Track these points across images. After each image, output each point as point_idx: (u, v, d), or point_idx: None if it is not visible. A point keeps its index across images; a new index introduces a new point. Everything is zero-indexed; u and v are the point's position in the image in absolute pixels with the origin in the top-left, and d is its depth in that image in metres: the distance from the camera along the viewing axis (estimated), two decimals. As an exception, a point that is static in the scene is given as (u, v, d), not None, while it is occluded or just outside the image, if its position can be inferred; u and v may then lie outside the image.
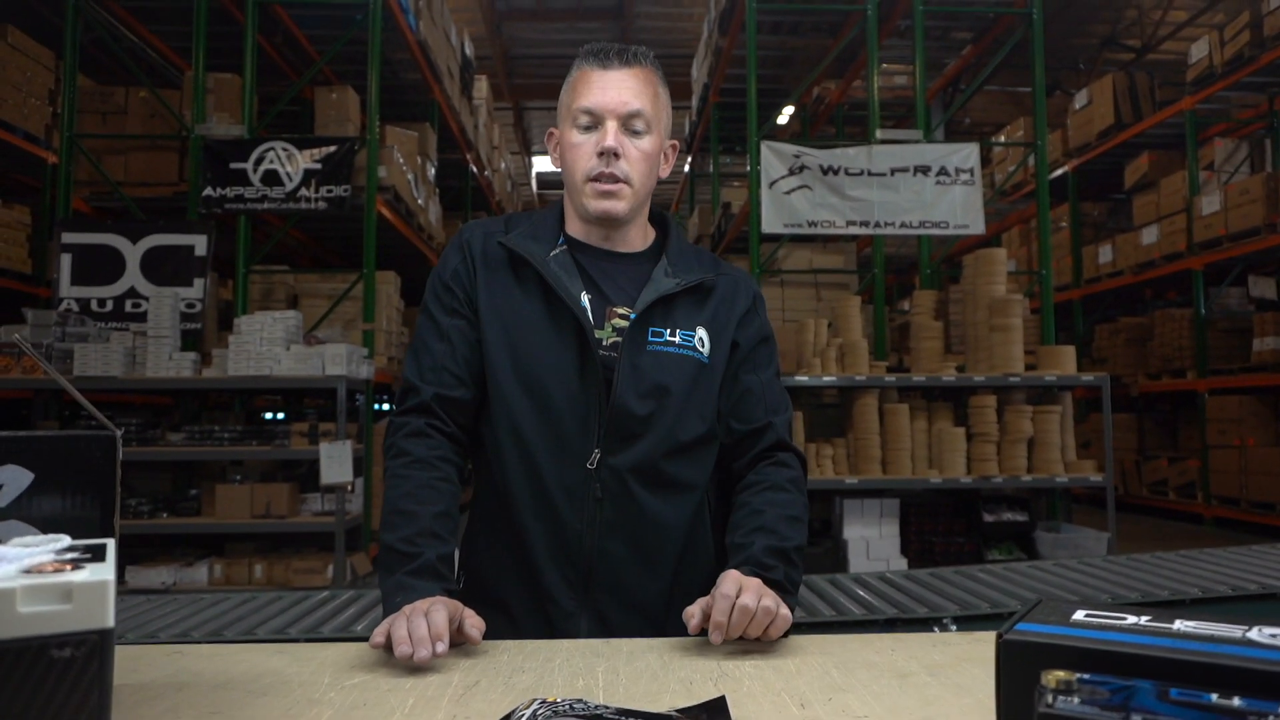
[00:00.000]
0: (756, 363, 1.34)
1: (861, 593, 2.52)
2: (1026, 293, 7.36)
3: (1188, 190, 8.73)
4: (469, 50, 9.80)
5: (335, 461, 5.28)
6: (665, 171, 1.34)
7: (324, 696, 0.90)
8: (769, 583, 1.11)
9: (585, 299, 1.26)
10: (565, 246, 1.31)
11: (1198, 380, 8.72)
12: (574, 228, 1.33)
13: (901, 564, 5.86)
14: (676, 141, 1.37)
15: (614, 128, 1.24)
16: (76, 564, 0.54)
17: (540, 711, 0.76)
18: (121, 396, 7.12)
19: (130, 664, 1.01)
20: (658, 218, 1.41)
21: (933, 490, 6.21)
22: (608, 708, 0.78)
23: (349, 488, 5.43)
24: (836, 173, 6.51)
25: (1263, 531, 7.57)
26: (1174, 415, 9.86)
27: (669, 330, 1.27)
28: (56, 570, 0.52)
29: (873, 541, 5.97)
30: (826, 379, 5.93)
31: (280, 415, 7.37)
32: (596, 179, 1.25)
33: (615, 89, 1.24)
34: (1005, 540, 6.12)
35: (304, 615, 2.41)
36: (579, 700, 0.80)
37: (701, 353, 1.29)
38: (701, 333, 1.30)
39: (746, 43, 7.10)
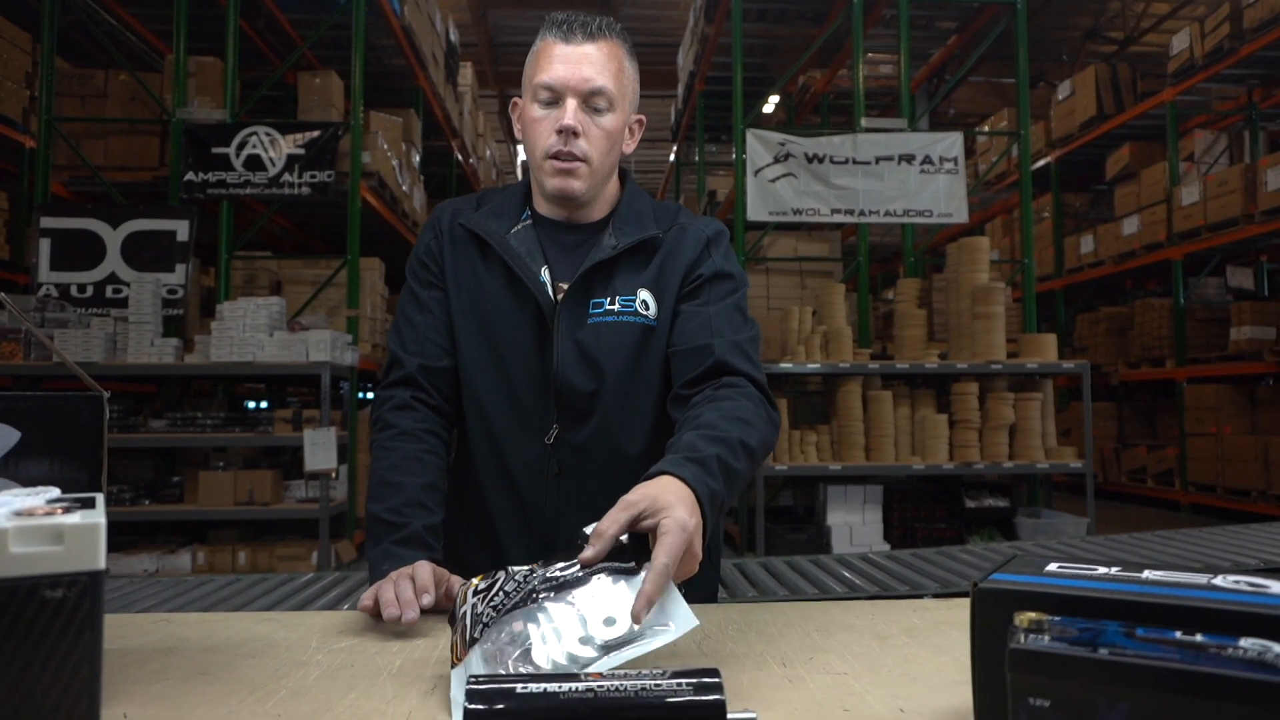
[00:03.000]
0: (705, 297, 1.26)
1: (845, 572, 2.55)
2: (1009, 282, 7.41)
3: (1168, 181, 8.81)
4: (454, 37, 9.73)
5: (319, 448, 5.26)
6: (630, 147, 1.31)
7: (311, 659, 0.91)
8: (694, 461, 0.97)
9: (545, 274, 1.25)
10: (529, 221, 1.30)
11: (1176, 369, 8.82)
12: (538, 202, 1.31)
13: (884, 549, 5.92)
14: (643, 116, 1.33)
15: (573, 106, 1.20)
16: (67, 510, 0.55)
17: (482, 610, 0.79)
18: (103, 384, 7.05)
19: (117, 631, 1.02)
20: (620, 177, 1.36)
21: (915, 476, 6.27)
22: (534, 573, 0.82)
23: (333, 474, 5.41)
24: (821, 161, 6.53)
25: (1238, 518, 7.67)
26: (1153, 404, 9.98)
27: (609, 299, 1.24)
28: (48, 514, 0.53)
29: (856, 527, 6.02)
30: (810, 366, 5.97)
31: (264, 404, 7.33)
32: (555, 156, 1.21)
33: (577, 64, 1.20)
34: (987, 525, 6.19)
35: (289, 595, 2.42)
36: (509, 578, 0.82)
37: (646, 316, 1.24)
38: (644, 294, 1.25)
39: (732, 31, 7.09)
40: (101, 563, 0.52)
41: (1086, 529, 5.74)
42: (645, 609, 0.78)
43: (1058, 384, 9.07)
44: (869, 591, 2.27)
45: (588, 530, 0.86)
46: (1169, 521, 8.15)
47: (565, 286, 1.25)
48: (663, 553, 0.82)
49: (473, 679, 0.61)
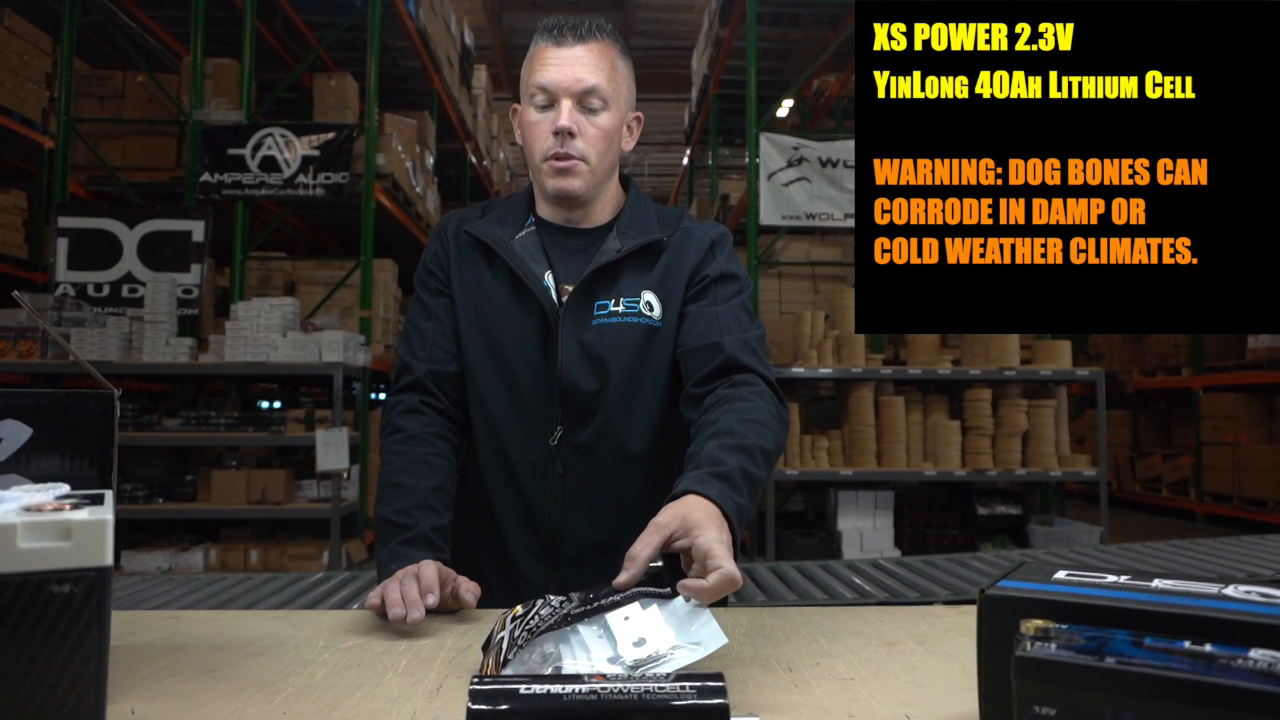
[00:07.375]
0: (711, 298, 1.27)
1: (854, 578, 2.54)
2: (1023, 288, 7.36)
3: (1185, 187, 8.73)
4: (469, 39, 9.77)
5: (331, 448, 5.28)
6: (629, 145, 1.32)
7: (319, 657, 0.91)
8: (718, 476, 1.01)
9: (549, 278, 1.27)
10: (534, 227, 1.31)
11: (1193, 377, 8.75)
12: (541, 207, 1.33)
13: (895, 556, 5.89)
14: (640, 114, 1.35)
15: (569, 106, 1.21)
16: (76, 506, 0.55)
17: (518, 634, 0.78)
18: (118, 383, 7.10)
19: (127, 627, 1.03)
20: (623, 183, 1.38)
21: (927, 483, 6.24)
22: (570, 600, 0.83)
23: (345, 475, 5.44)
24: (835, 165, 6.51)
25: (1254, 528, 7.58)
26: (1168, 412, 9.90)
27: (613, 300, 1.26)
28: (56, 509, 0.53)
29: (866, 533, 5.99)
30: (822, 371, 5.95)
31: (277, 404, 7.35)
32: (553, 158, 1.23)
33: (569, 66, 1.22)
34: (998, 533, 6.15)
35: (299, 595, 2.43)
36: (545, 604, 0.83)
37: (650, 316, 1.26)
38: (648, 296, 1.27)
39: (747, 34, 7.09)
40: (109, 559, 0.52)
41: (1100, 537, 5.69)
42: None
43: (1072, 391, 9.00)
44: (878, 598, 2.26)
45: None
46: (1184, 531, 8.08)
47: (570, 289, 1.26)
48: (725, 560, 0.86)
49: (475, 679, 0.61)
